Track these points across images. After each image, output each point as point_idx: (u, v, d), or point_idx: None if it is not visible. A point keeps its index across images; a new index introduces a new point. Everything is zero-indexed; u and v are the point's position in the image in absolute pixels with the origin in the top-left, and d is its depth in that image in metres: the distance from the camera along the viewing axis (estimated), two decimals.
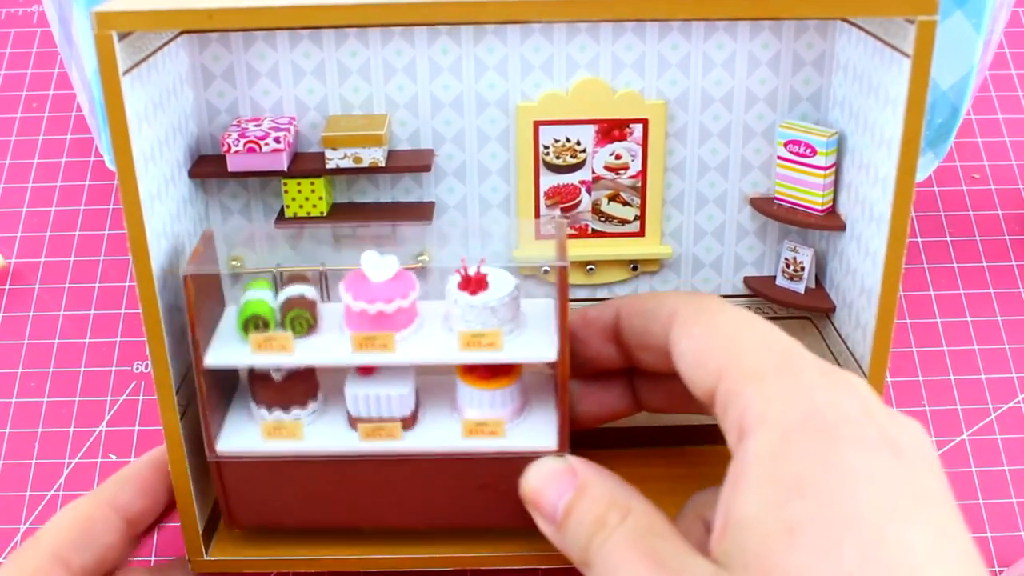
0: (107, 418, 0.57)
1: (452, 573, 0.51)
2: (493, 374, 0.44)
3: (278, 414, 0.45)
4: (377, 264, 0.43)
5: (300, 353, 0.43)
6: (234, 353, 0.43)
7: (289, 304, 0.43)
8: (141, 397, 0.58)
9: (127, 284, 0.61)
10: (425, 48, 0.46)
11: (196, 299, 0.42)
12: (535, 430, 0.44)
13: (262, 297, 0.43)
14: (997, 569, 0.52)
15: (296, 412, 0.45)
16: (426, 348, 0.43)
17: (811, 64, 0.47)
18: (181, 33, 0.45)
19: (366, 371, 0.44)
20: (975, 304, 0.61)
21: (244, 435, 0.45)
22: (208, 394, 0.43)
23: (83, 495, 0.43)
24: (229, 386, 0.47)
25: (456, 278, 0.43)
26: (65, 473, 0.55)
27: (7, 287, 0.62)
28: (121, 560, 0.43)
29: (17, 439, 0.56)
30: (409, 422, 0.44)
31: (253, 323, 0.43)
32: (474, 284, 0.42)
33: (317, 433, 0.45)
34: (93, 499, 0.42)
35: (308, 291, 0.44)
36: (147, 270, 0.40)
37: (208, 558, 0.46)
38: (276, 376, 0.44)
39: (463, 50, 0.46)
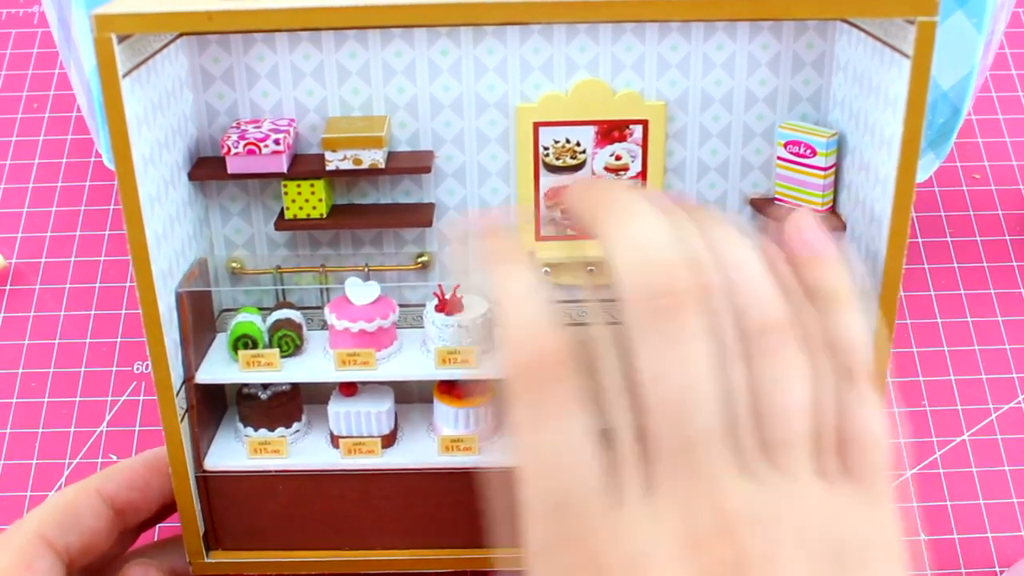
0: (107, 418, 0.57)
1: (452, 574, 0.51)
2: (468, 393, 0.47)
3: (264, 433, 0.46)
4: (360, 289, 0.46)
5: (287, 371, 0.46)
6: (224, 371, 0.45)
7: (277, 325, 0.46)
8: (141, 397, 0.58)
9: (127, 285, 0.61)
10: (425, 49, 0.46)
11: (189, 319, 0.43)
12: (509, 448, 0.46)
13: (251, 320, 0.46)
14: (998, 569, 0.52)
15: (281, 431, 0.47)
16: (405, 366, 0.46)
17: (811, 65, 0.47)
18: (180, 35, 0.45)
19: (348, 391, 0.47)
20: (975, 304, 0.61)
21: (231, 454, 0.46)
22: (198, 411, 0.44)
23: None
24: (218, 408, 0.49)
25: (433, 302, 0.46)
26: (65, 473, 0.55)
27: (7, 287, 0.62)
28: (110, 547, 0.43)
29: (17, 439, 0.56)
30: (388, 440, 0.47)
31: (242, 342, 0.46)
32: (449, 306, 0.46)
33: (300, 452, 0.47)
34: (80, 485, 0.43)
35: (295, 315, 0.47)
36: (147, 272, 0.40)
37: (209, 560, 0.46)
38: (263, 396, 0.46)
39: (463, 51, 0.46)
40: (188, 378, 0.44)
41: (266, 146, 0.45)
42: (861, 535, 0.29)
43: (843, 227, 0.47)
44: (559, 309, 0.30)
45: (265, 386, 0.46)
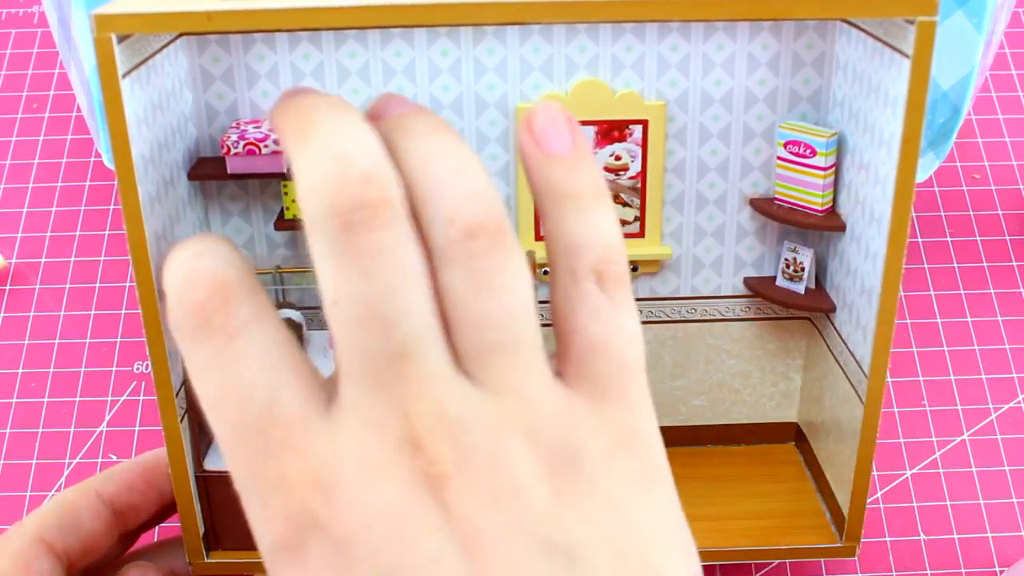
0: (107, 418, 0.57)
1: None
2: None
3: None
4: None
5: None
6: None
7: None
8: (141, 397, 0.58)
9: (127, 284, 0.61)
10: (424, 50, 0.46)
11: None
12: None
13: None
14: (997, 569, 0.52)
15: None
16: None
17: (811, 65, 0.47)
18: (180, 35, 0.45)
19: None
20: (975, 304, 0.61)
21: None
22: (199, 411, 0.44)
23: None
24: None
25: None
26: (65, 473, 0.55)
27: (7, 287, 0.62)
28: (109, 550, 0.43)
29: (17, 439, 0.56)
30: None
31: None
32: None
33: None
34: (80, 487, 0.42)
35: (295, 315, 0.47)
36: (147, 273, 0.40)
37: (209, 560, 0.46)
38: None
39: (462, 51, 0.46)
40: (188, 378, 0.44)
41: (266, 146, 0.45)
42: (598, 438, 0.27)
43: (843, 227, 0.47)
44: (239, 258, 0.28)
45: None
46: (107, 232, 0.63)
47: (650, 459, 0.28)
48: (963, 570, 0.52)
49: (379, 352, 0.26)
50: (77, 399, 0.58)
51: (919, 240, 0.63)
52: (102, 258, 0.63)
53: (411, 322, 0.26)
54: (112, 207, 0.64)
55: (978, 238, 0.63)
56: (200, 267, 0.28)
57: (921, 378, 0.58)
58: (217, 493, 0.46)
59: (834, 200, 0.48)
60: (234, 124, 0.47)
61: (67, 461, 0.56)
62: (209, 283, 0.28)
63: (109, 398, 0.58)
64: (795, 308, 0.51)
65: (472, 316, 0.27)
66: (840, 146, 0.47)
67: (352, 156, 0.27)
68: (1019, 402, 0.57)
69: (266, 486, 0.27)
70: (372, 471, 0.25)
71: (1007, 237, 0.63)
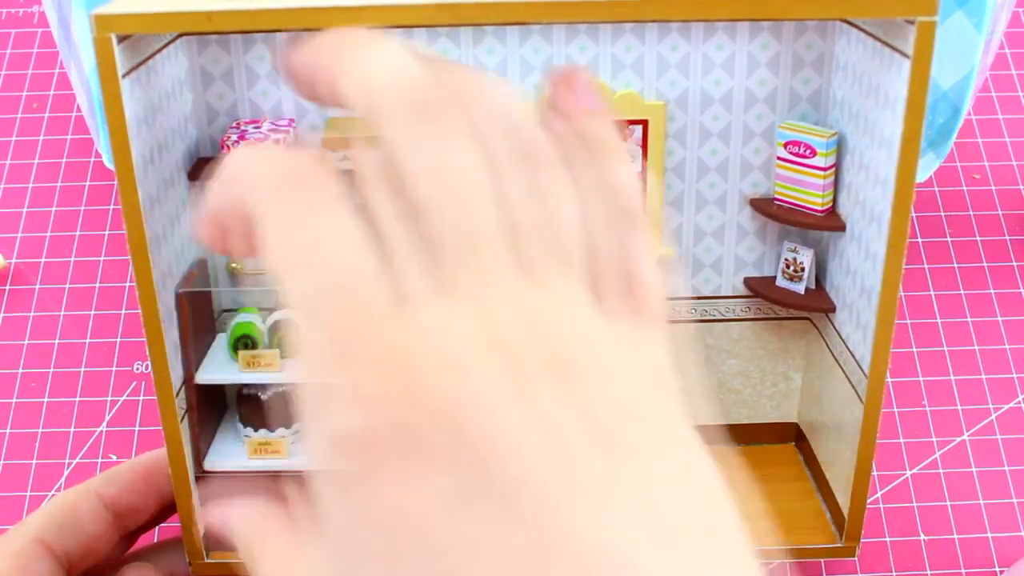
0: (107, 418, 0.57)
1: None
2: None
3: (264, 433, 0.46)
4: None
5: (287, 371, 0.46)
6: (224, 371, 0.46)
7: (277, 326, 0.46)
8: (141, 397, 0.58)
9: (127, 285, 0.61)
10: (424, 50, 0.46)
11: (189, 319, 0.43)
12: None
13: (251, 320, 0.46)
14: (997, 569, 0.52)
15: (281, 432, 0.47)
16: None
17: (811, 65, 0.47)
18: (180, 36, 0.45)
19: None
20: (975, 304, 0.61)
21: (231, 454, 0.47)
22: (198, 411, 0.44)
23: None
24: (218, 408, 0.49)
25: None
26: (65, 473, 0.55)
27: (7, 287, 0.62)
28: (109, 552, 0.43)
29: (17, 439, 0.56)
30: None
31: (242, 343, 0.45)
32: None
33: (300, 452, 0.47)
34: (80, 488, 0.42)
35: None
36: (147, 273, 0.40)
37: (209, 560, 0.46)
38: (263, 396, 0.46)
39: (463, 51, 0.46)
40: (188, 378, 0.44)
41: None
42: (648, 361, 0.27)
43: (843, 227, 0.47)
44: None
45: (265, 386, 0.47)
46: (107, 232, 0.63)
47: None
48: (963, 570, 0.52)
49: (452, 240, 0.26)
50: (77, 399, 0.58)
51: (919, 240, 0.63)
52: (102, 258, 0.63)
53: (483, 213, 0.26)
54: (112, 207, 0.64)
55: (978, 238, 0.63)
56: (298, 155, 0.27)
57: (921, 378, 0.58)
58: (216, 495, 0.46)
59: (834, 200, 0.48)
60: (234, 124, 0.47)
61: (67, 461, 0.56)
62: (306, 167, 0.27)
63: (109, 398, 0.58)
64: (795, 308, 0.51)
65: (538, 222, 0.27)
66: (840, 146, 0.47)
67: (417, 69, 0.27)
68: (1019, 402, 0.57)
69: (338, 366, 0.25)
70: (456, 362, 0.25)
71: (1007, 237, 0.63)
